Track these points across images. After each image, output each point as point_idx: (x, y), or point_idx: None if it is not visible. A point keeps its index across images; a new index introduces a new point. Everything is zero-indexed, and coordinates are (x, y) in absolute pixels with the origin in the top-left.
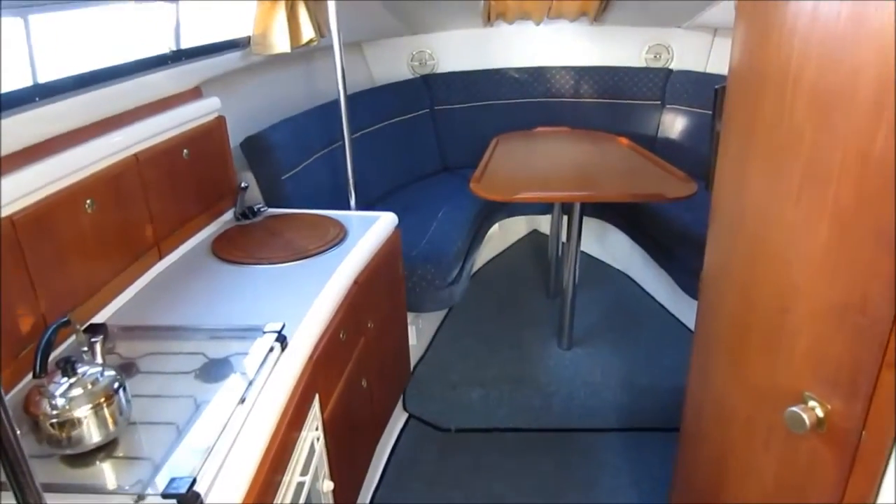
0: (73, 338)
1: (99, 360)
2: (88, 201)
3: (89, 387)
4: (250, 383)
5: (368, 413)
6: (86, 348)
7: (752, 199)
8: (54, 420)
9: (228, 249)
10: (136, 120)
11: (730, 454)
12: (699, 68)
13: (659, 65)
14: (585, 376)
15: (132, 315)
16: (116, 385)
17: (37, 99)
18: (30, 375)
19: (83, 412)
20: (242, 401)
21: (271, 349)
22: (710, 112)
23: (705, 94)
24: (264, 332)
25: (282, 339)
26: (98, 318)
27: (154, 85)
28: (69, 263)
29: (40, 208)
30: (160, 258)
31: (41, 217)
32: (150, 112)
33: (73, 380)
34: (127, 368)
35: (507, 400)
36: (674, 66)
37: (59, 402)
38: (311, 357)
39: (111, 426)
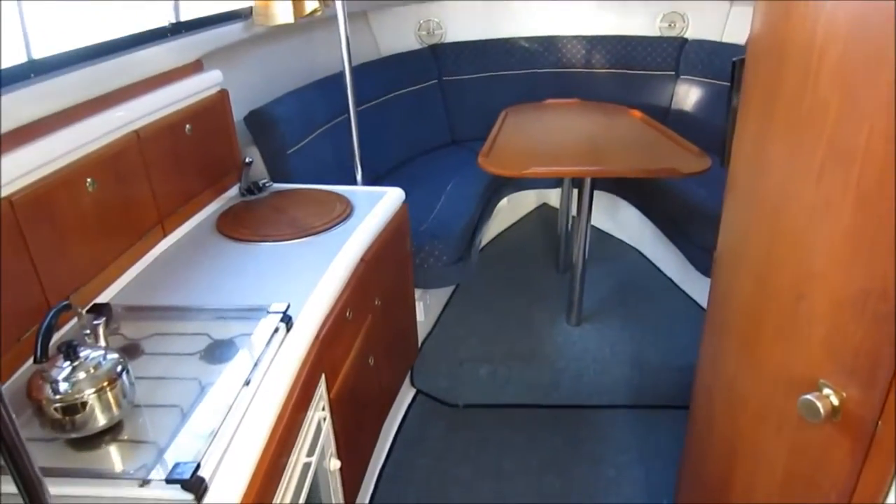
0: (75, 320)
1: (102, 342)
2: (89, 180)
3: (92, 370)
4: (255, 365)
5: (376, 390)
6: (88, 331)
7: (771, 178)
8: (58, 405)
9: (233, 227)
10: (135, 95)
11: (740, 439)
12: (715, 38)
13: (673, 34)
14: (595, 353)
15: (137, 295)
16: (119, 368)
17: (32, 76)
18: (32, 359)
19: (86, 396)
20: (247, 383)
21: (276, 329)
22: (727, 84)
23: (721, 64)
24: (269, 313)
25: (287, 320)
26: (102, 298)
27: (153, 59)
28: (71, 244)
29: (39, 189)
30: (164, 236)
31: (41, 197)
32: (150, 87)
33: (75, 363)
34: (131, 350)
35: (515, 376)
36: (689, 35)
37: (62, 386)
38: (317, 336)
39: (115, 409)
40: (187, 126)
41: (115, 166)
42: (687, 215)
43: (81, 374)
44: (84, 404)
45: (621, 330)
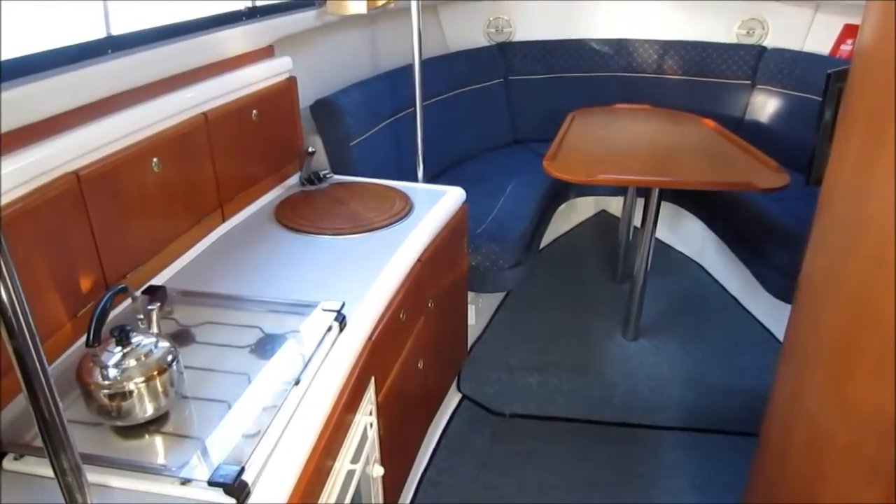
0: (129, 301)
1: (154, 329)
2: (155, 160)
3: (143, 358)
4: (306, 364)
5: (423, 395)
6: (142, 316)
7: (879, 203)
8: (106, 391)
9: (291, 216)
10: (207, 77)
11: (822, 482)
12: (796, 47)
13: (751, 41)
14: (650, 370)
15: (192, 278)
16: (170, 358)
17: (109, 51)
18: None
19: (135, 385)
20: (297, 382)
21: (329, 328)
22: (808, 96)
23: (802, 75)
24: (324, 310)
25: (341, 319)
26: (158, 280)
27: (227, 42)
28: (132, 223)
29: (107, 164)
30: (223, 221)
31: (107, 174)
32: (221, 70)
33: (126, 350)
34: (183, 336)
35: (566, 388)
36: (767, 42)
37: (112, 372)
38: (369, 338)
39: (162, 400)
40: (254, 111)
41: (181, 147)
42: (757, 232)
43: (132, 361)
44: (132, 392)
45: (679, 347)
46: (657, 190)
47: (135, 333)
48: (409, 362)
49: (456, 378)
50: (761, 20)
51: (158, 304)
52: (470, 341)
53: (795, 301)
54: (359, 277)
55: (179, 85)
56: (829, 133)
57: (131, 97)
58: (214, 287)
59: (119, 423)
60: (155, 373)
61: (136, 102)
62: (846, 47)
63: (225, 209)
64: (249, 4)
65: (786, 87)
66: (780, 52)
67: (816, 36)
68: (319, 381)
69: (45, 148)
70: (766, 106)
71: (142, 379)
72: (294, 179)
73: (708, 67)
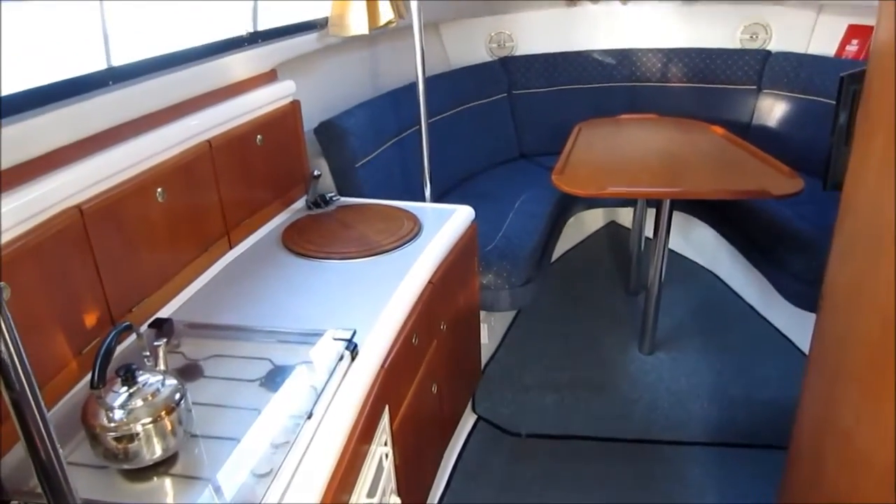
0: (135, 337)
1: (161, 365)
2: (159, 190)
3: (150, 398)
4: (318, 396)
5: (437, 419)
6: (147, 353)
7: None
8: (112, 434)
9: (299, 241)
10: (210, 104)
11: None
12: (800, 49)
13: (755, 45)
14: (669, 383)
15: (199, 309)
16: (178, 396)
17: (110, 83)
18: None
19: (142, 426)
20: (310, 416)
21: (341, 357)
22: (815, 98)
23: (808, 77)
24: (334, 339)
25: (352, 347)
26: (165, 312)
27: (230, 68)
28: (137, 255)
29: (111, 197)
30: (230, 248)
31: (111, 206)
32: (224, 96)
33: (132, 390)
34: (190, 371)
35: (583, 406)
36: (771, 46)
37: (118, 414)
38: (382, 365)
39: (171, 440)
40: (258, 136)
41: (185, 176)
42: (772, 238)
43: (139, 402)
44: (139, 434)
45: (697, 360)
46: (669, 200)
47: (141, 372)
48: (423, 387)
49: (471, 399)
50: (764, 24)
51: (165, 339)
52: (483, 361)
53: (820, 311)
54: (369, 303)
55: (182, 113)
56: (845, 136)
57: (134, 127)
58: (222, 317)
59: (126, 467)
60: (163, 413)
61: (138, 133)
62: (851, 48)
63: (231, 236)
64: (251, 30)
65: (792, 91)
66: (785, 56)
67: (820, 38)
68: (332, 413)
69: (46, 183)
70: (773, 110)
71: (149, 420)
72: (300, 203)
73: (713, 74)
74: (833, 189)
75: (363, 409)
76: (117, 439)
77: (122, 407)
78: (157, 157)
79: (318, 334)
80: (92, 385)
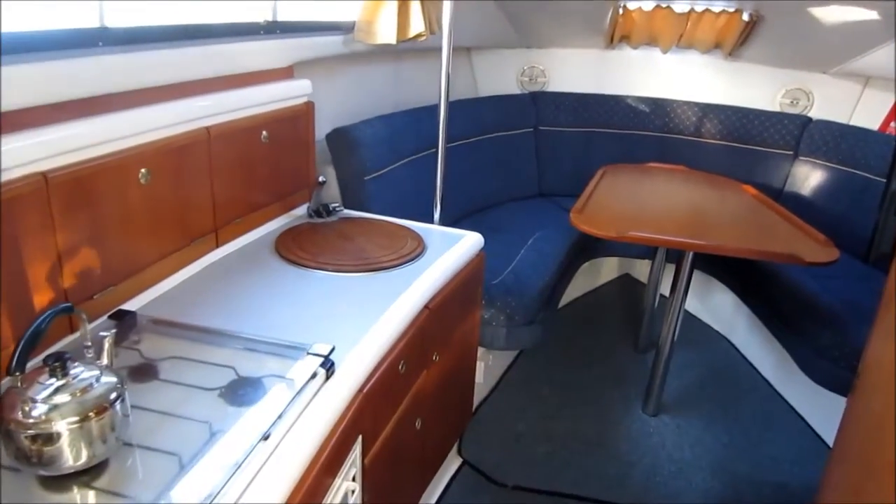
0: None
1: (104, 360)
2: (143, 171)
3: (79, 394)
4: (280, 415)
5: (418, 458)
6: (89, 344)
7: None
8: (28, 431)
9: (292, 248)
10: (213, 90)
11: None
12: (842, 119)
13: (795, 111)
14: (672, 450)
15: (171, 306)
16: (114, 396)
17: (100, 44)
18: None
19: (64, 426)
20: (266, 437)
21: (314, 375)
22: (854, 171)
23: (849, 149)
24: (309, 354)
25: (328, 365)
26: (132, 305)
27: (242, 55)
28: (108, 238)
29: (84, 169)
30: (217, 246)
31: (83, 179)
32: (232, 84)
33: (60, 383)
34: (143, 371)
35: (576, 462)
36: (812, 114)
37: (37, 409)
38: (360, 390)
39: (98, 447)
40: (264, 133)
41: (176, 161)
42: (797, 310)
43: (65, 397)
44: (59, 435)
45: (704, 428)
46: (691, 255)
47: (75, 364)
48: (406, 420)
49: (457, 441)
50: (807, 91)
51: (113, 331)
52: (475, 401)
53: (854, 392)
54: (356, 320)
55: (182, 94)
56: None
57: (123, 100)
58: (195, 318)
59: (42, 472)
60: (92, 413)
61: (127, 106)
62: None
63: (220, 234)
64: (269, 19)
65: (830, 161)
66: (827, 125)
67: (864, 111)
68: (294, 437)
69: (9, 141)
70: (808, 178)
71: (75, 419)
72: (302, 210)
73: (749, 134)
74: (879, 261)
75: (331, 437)
76: (33, 438)
77: (44, 401)
78: (145, 135)
79: (293, 347)
80: (8, 370)
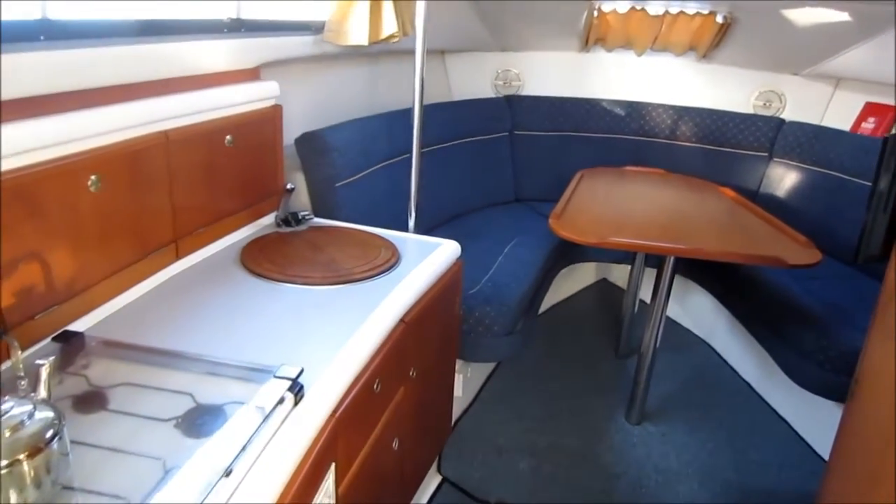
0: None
1: (42, 392)
2: (93, 177)
3: (7, 434)
4: (244, 448)
5: (397, 480)
6: (22, 374)
7: None
8: None
9: (259, 260)
10: (173, 91)
11: None
12: (814, 121)
13: (768, 113)
14: (657, 460)
15: (124, 326)
16: (51, 434)
17: (41, 38)
18: None
19: None
20: (228, 474)
21: (281, 400)
22: (827, 171)
23: (822, 150)
24: (276, 377)
25: (297, 389)
26: (80, 325)
27: (203, 55)
28: (53, 250)
29: (26, 176)
30: (177, 258)
31: (24, 186)
32: (192, 85)
33: None
34: (90, 400)
35: (561, 476)
36: (785, 115)
37: None
38: (333, 414)
39: (31, 493)
40: (228, 137)
41: (130, 167)
42: (780, 313)
43: None
44: None
45: (688, 435)
46: (672, 260)
47: (6, 398)
48: (383, 442)
49: (437, 458)
50: (779, 93)
51: (52, 357)
52: (454, 416)
53: (852, 402)
54: (328, 337)
55: (137, 95)
56: (885, 204)
57: (70, 100)
58: (151, 339)
59: None
60: (23, 455)
61: (75, 107)
62: (868, 125)
63: (180, 245)
64: (233, 16)
65: (804, 162)
66: (801, 126)
67: (836, 112)
68: (259, 471)
69: None
70: (783, 179)
71: (2, 463)
72: (269, 219)
73: (724, 136)
74: (867, 262)
75: (301, 468)
76: None
77: None
78: (95, 139)
79: (258, 370)
80: None
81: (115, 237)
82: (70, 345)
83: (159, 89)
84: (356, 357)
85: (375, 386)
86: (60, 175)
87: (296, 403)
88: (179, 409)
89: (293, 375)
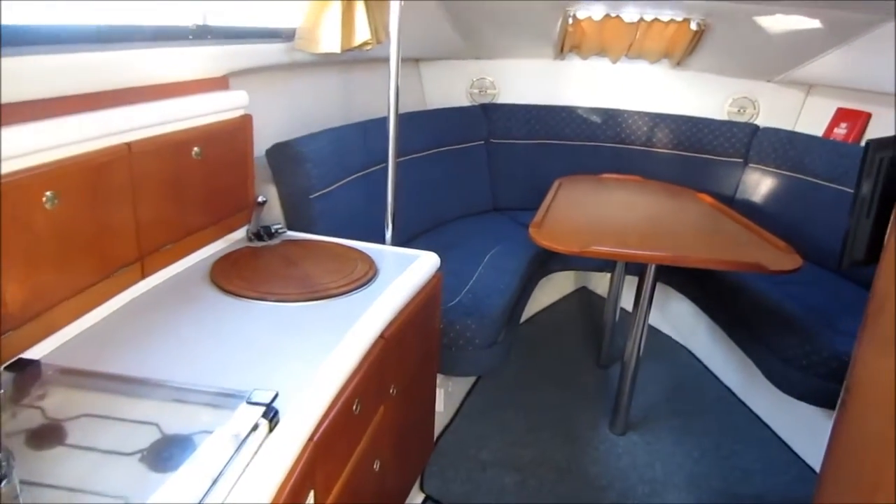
0: None
1: None
2: (49, 194)
3: None
4: (214, 481)
5: (379, 502)
6: None
7: None
8: None
9: (230, 276)
10: (136, 100)
11: None
12: (787, 127)
13: (742, 119)
14: (643, 470)
15: (84, 351)
16: None
17: None
18: None
19: None
20: None
21: (255, 427)
22: (802, 177)
23: (796, 155)
24: (249, 402)
25: (271, 415)
26: (36, 352)
27: (168, 63)
28: (5, 272)
29: None
30: (142, 277)
31: None
32: (157, 94)
33: None
34: (47, 435)
35: (547, 490)
36: (758, 121)
37: None
38: (311, 438)
39: None
40: (195, 149)
41: (90, 182)
42: (761, 319)
43: None
44: None
45: (674, 444)
46: (653, 268)
47: None
48: (363, 464)
49: (419, 476)
50: (753, 100)
51: (1, 389)
52: (436, 431)
53: (844, 412)
54: (303, 357)
55: (95, 105)
56: (868, 209)
57: (22, 111)
58: (114, 365)
59: None
60: None
61: (28, 119)
62: (840, 130)
63: (146, 263)
64: (200, 22)
65: (779, 167)
66: (775, 132)
67: (808, 118)
68: None
69: None
70: (759, 185)
71: None
72: (240, 233)
73: (699, 143)
74: (851, 267)
75: (278, 498)
76: None
77: None
78: (50, 152)
79: (230, 395)
80: None
81: (74, 257)
82: (25, 374)
83: (121, 99)
84: (334, 377)
85: (355, 407)
86: (12, 192)
87: (270, 430)
88: (145, 441)
89: (267, 400)
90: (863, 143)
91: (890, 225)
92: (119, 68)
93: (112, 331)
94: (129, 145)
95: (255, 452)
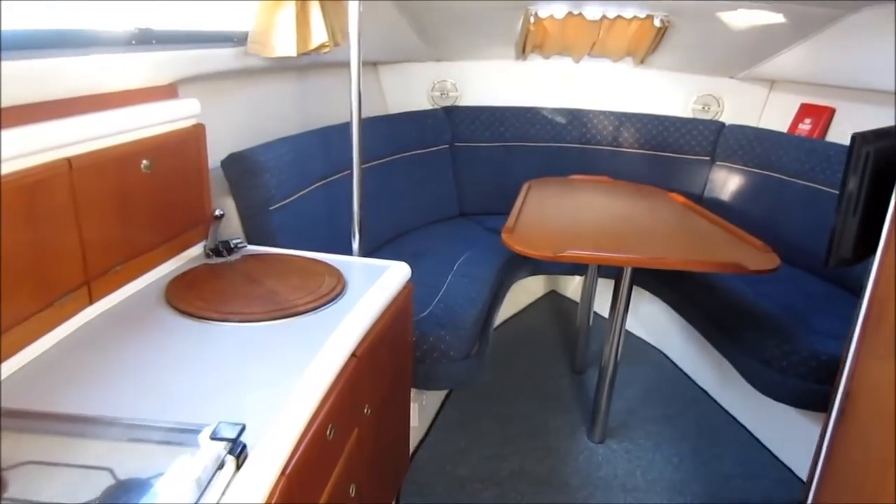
0: None
1: None
2: None
3: None
4: None
5: None
6: None
7: None
8: None
9: (187, 297)
10: (75, 112)
11: None
12: (751, 123)
13: (707, 116)
14: (624, 479)
15: (26, 389)
16: None
17: None
18: None
19: None
20: None
21: (221, 465)
22: (768, 173)
23: (762, 151)
24: (213, 438)
25: (238, 450)
26: None
27: (109, 71)
28: None
29: None
30: (90, 303)
31: None
32: (97, 105)
33: None
34: None
35: None
36: (723, 118)
37: None
38: (283, 472)
39: None
40: (144, 162)
41: (27, 202)
42: (738, 320)
43: None
44: None
45: (653, 450)
46: (630, 271)
47: None
48: (338, 492)
49: (395, 496)
50: (717, 96)
51: None
52: (411, 447)
53: (843, 422)
54: (272, 382)
55: (28, 118)
56: (854, 206)
57: None
58: (60, 402)
59: None
60: None
61: None
62: (804, 126)
63: (93, 288)
64: (142, 26)
65: (746, 164)
66: (741, 129)
67: (772, 114)
68: None
69: None
70: (726, 183)
71: None
72: (197, 250)
73: (666, 142)
74: (838, 266)
75: None
76: None
77: None
78: None
79: (191, 430)
80: None
81: (10, 284)
82: None
83: (58, 111)
84: (306, 403)
85: (328, 432)
86: None
87: (238, 467)
88: (96, 490)
89: (234, 435)
90: (827, 139)
91: (886, 226)
92: (55, 77)
93: (58, 364)
94: (69, 160)
95: (223, 493)
